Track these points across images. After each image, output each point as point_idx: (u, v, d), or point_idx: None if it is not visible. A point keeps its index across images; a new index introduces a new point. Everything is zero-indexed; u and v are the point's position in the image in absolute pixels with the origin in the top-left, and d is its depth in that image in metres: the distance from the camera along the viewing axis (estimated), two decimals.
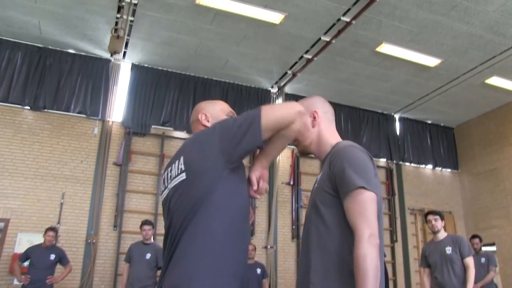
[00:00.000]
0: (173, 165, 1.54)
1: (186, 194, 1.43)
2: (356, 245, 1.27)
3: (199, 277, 1.31)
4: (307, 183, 8.53)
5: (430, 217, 4.49)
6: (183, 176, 1.47)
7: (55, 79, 7.22)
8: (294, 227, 8.28)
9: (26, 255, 5.62)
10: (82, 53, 7.52)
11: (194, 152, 1.48)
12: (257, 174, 1.54)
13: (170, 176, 1.55)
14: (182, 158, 1.50)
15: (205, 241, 1.36)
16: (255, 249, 6.59)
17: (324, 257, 1.38)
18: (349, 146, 1.48)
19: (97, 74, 7.56)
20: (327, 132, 1.60)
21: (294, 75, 8.05)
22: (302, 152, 1.68)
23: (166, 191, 1.57)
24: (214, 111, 1.70)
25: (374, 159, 1.50)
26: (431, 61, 7.49)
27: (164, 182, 1.61)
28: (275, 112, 1.43)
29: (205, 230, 1.37)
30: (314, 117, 1.62)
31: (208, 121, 1.68)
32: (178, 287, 1.32)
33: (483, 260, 6.23)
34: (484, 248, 6.80)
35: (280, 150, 1.55)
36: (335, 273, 1.33)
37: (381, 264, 1.37)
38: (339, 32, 6.61)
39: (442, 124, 10.47)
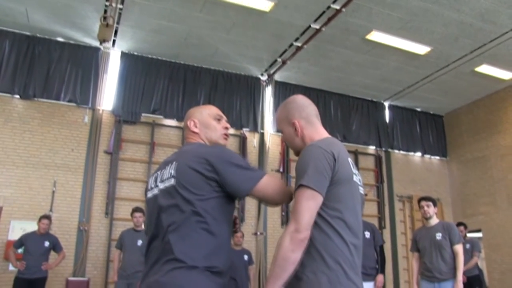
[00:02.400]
0: (167, 167, 1.65)
1: (175, 201, 1.54)
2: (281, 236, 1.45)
3: (194, 279, 1.45)
4: None
5: (423, 203, 4.46)
6: (171, 181, 1.57)
7: (45, 68, 7.18)
8: (283, 213, 8.39)
9: (20, 242, 5.72)
10: (71, 42, 7.46)
11: (190, 163, 1.56)
12: None
13: (161, 177, 1.66)
14: (175, 164, 1.60)
15: (195, 249, 1.49)
16: (243, 235, 6.68)
17: None
18: (308, 146, 1.59)
19: (86, 62, 7.52)
20: (311, 135, 1.70)
21: (284, 62, 8.05)
22: (296, 155, 1.79)
23: (155, 190, 1.68)
24: (201, 117, 1.81)
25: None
26: (421, 49, 7.51)
27: (155, 180, 1.71)
28: (274, 189, 1.60)
29: (196, 240, 1.50)
30: (295, 127, 1.71)
31: (196, 127, 1.79)
32: (176, 285, 1.42)
33: (467, 246, 6.44)
34: (470, 235, 6.96)
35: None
36: (305, 252, 1.48)
37: (348, 252, 1.47)
38: (329, 19, 6.62)
39: (431, 112, 10.55)
